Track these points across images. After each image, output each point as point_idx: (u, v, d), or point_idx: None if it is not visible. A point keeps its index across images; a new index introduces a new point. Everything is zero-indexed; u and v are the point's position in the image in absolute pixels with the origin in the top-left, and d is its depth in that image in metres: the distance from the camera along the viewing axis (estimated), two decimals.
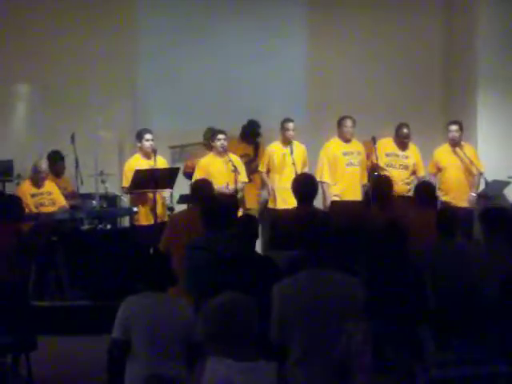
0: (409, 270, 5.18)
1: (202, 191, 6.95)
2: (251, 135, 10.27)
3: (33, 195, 9.11)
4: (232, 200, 7.53)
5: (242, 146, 10.14)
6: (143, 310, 4.71)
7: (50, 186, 9.28)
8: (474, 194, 9.53)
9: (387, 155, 9.52)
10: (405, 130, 9.56)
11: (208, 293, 5.11)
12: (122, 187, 9.37)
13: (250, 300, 3.44)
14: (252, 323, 3.40)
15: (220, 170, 9.14)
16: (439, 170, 9.61)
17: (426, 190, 7.57)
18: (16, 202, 7.24)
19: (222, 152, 9.17)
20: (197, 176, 9.13)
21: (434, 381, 2.88)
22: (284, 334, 4.14)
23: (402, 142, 9.58)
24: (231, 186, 9.04)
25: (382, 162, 9.43)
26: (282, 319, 4.15)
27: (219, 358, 3.32)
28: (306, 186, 6.79)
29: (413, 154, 9.61)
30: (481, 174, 9.52)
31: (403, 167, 9.50)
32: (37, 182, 9.15)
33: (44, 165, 9.22)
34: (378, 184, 8.01)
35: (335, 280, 4.24)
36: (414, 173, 9.58)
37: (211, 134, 9.43)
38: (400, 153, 9.57)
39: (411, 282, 5.07)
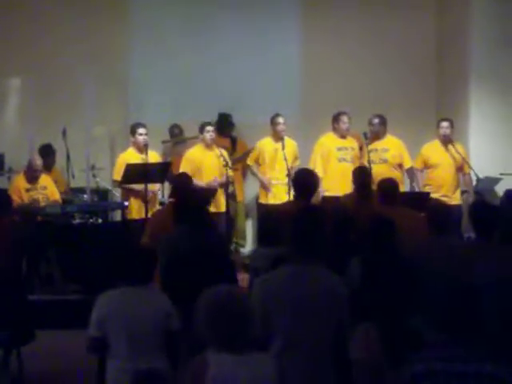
0: (400, 266, 5.19)
1: (183, 186, 6.99)
2: (225, 127, 10.31)
3: (27, 190, 9.14)
4: (204, 195, 7.54)
5: (218, 140, 10.11)
6: (118, 306, 4.71)
7: (44, 180, 9.31)
8: (470, 192, 9.57)
9: (368, 152, 9.48)
10: (374, 120, 9.56)
11: (175, 287, 5.17)
12: (114, 180, 9.36)
13: (243, 292, 3.46)
14: (248, 316, 3.42)
15: (211, 163, 9.16)
16: (427, 166, 9.60)
17: (388, 187, 7.38)
18: (5, 195, 7.28)
19: (211, 144, 9.20)
20: (184, 168, 9.12)
21: (417, 374, 2.89)
22: (265, 329, 4.15)
23: (373, 133, 9.54)
24: (219, 179, 9.06)
25: (365, 160, 9.43)
26: (263, 314, 4.15)
27: (216, 350, 3.35)
28: (305, 180, 6.81)
29: (392, 147, 9.59)
30: (467, 173, 9.56)
31: (382, 161, 9.45)
32: (31, 177, 9.17)
33: (39, 161, 9.24)
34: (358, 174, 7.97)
35: (316, 276, 4.23)
36: (400, 166, 9.58)
37: (199, 127, 9.42)
38: (379, 147, 9.56)
39: (403, 277, 5.07)
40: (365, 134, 9.45)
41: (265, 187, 9.61)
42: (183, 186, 7.08)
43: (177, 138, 10.52)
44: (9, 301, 6.40)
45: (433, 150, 9.57)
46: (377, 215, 5.71)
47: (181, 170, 9.16)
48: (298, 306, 4.14)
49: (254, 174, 9.89)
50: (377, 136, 9.57)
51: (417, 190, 9.56)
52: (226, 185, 9.07)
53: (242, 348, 3.37)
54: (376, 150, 9.51)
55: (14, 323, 6.36)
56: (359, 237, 5.78)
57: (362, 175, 7.78)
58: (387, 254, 5.25)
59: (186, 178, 7.37)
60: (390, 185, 7.22)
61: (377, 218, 5.61)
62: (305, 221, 4.32)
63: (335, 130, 9.61)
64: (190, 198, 6.20)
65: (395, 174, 9.16)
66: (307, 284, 4.18)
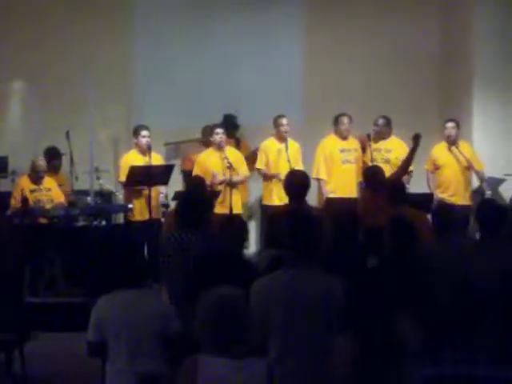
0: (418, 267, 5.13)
1: (197, 188, 6.98)
2: (230, 129, 10.28)
3: (32, 191, 9.14)
4: (207, 198, 7.51)
5: None
6: (117, 309, 4.65)
7: (49, 182, 9.32)
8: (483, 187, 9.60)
9: (372, 151, 9.46)
10: (379, 121, 9.59)
11: (180, 290, 5.14)
12: (120, 182, 9.31)
13: (244, 296, 3.43)
14: (245, 321, 3.39)
15: (216, 164, 9.12)
16: (436, 167, 9.61)
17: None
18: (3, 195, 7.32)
19: (220, 147, 9.17)
20: (196, 171, 9.13)
21: (427, 378, 2.87)
22: (262, 333, 4.13)
23: (378, 133, 9.58)
24: (220, 177, 9.01)
25: (368, 159, 9.43)
26: (260, 317, 4.13)
27: (211, 355, 3.32)
28: (296, 183, 6.80)
29: (396, 148, 9.57)
30: (478, 172, 9.52)
31: (384, 161, 9.42)
32: (35, 179, 9.18)
33: (42, 162, 9.25)
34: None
35: (313, 279, 4.22)
36: None
37: (209, 129, 9.44)
38: (382, 147, 9.57)
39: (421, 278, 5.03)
40: (368, 136, 9.47)
41: (274, 177, 9.43)
42: (194, 190, 7.04)
43: (183, 141, 10.51)
44: (4, 302, 6.38)
45: (440, 151, 9.61)
46: (396, 216, 5.65)
47: (194, 174, 9.18)
48: (294, 309, 4.14)
49: (264, 174, 9.64)
50: (382, 136, 9.59)
51: (429, 191, 9.54)
52: (230, 186, 9.03)
53: (238, 352, 3.34)
54: (379, 149, 9.54)
55: (9, 324, 6.35)
56: (368, 235, 5.74)
57: (371, 174, 7.93)
58: (407, 255, 5.17)
59: (198, 181, 7.30)
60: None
61: (397, 219, 5.54)
62: (295, 223, 4.30)
63: (336, 131, 9.62)
64: (195, 203, 6.13)
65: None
66: (303, 288, 4.18)
